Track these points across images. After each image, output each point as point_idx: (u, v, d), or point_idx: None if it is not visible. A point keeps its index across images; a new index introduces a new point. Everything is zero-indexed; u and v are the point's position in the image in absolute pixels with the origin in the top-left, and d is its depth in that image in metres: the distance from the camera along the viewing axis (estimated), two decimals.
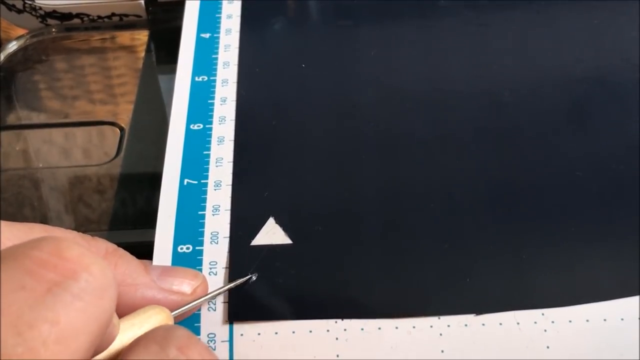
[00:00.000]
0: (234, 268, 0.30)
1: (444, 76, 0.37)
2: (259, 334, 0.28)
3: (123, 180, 0.39)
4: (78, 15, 0.47)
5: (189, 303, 0.27)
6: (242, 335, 0.28)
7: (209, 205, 0.32)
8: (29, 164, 0.41)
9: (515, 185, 0.32)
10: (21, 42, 0.47)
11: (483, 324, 0.28)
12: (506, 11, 0.40)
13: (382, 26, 0.40)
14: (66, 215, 0.38)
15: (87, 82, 0.45)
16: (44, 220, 0.38)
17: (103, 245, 0.26)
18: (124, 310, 0.26)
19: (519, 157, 0.33)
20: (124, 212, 0.38)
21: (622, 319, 0.28)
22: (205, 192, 0.32)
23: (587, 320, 0.28)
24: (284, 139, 0.35)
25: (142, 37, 0.47)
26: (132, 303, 0.26)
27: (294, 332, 0.28)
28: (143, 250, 0.34)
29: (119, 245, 0.36)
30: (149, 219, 0.37)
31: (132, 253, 0.35)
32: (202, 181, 0.33)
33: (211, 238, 0.31)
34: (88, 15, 0.47)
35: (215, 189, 0.32)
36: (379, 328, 0.28)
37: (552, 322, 0.28)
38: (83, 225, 0.37)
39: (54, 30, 0.48)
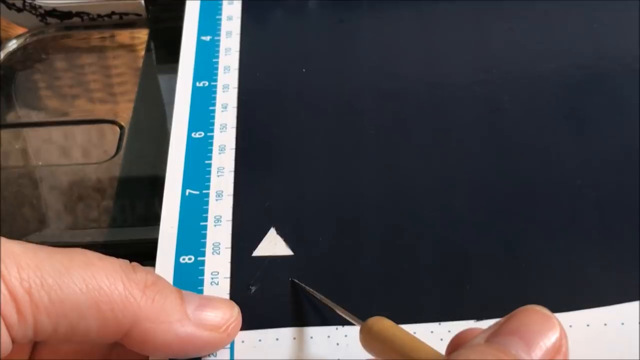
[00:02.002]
0: (236, 279, 0.30)
1: (444, 81, 0.37)
2: (260, 340, 0.28)
3: (123, 179, 0.39)
4: (78, 14, 0.47)
5: (219, 341, 0.27)
6: (243, 342, 0.28)
7: (210, 216, 0.32)
8: (29, 163, 0.41)
9: (516, 192, 0.32)
10: (21, 40, 0.47)
11: None
12: (507, 16, 0.40)
13: (384, 30, 0.40)
14: (66, 213, 0.38)
15: (86, 80, 0.45)
16: (43, 218, 0.38)
17: (143, 277, 0.25)
18: (154, 349, 0.26)
19: (519, 164, 0.33)
20: (124, 210, 0.38)
21: (622, 324, 0.28)
22: (207, 203, 0.32)
23: (588, 325, 0.28)
24: (284, 147, 0.35)
25: (141, 35, 0.47)
26: (163, 342, 0.25)
27: (294, 339, 0.28)
28: (142, 248, 0.34)
29: (119, 243, 0.36)
30: (149, 217, 0.37)
31: (132, 251, 0.35)
32: (204, 191, 0.33)
33: (213, 249, 0.31)
34: (88, 14, 0.47)
35: (217, 200, 0.32)
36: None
37: None
38: (82, 224, 0.37)
39: (53, 29, 0.48)
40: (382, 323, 0.25)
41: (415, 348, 0.24)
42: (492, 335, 0.22)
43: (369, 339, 0.25)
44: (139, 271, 0.26)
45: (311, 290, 0.29)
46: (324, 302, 0.28)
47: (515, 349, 0.22)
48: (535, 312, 0.23)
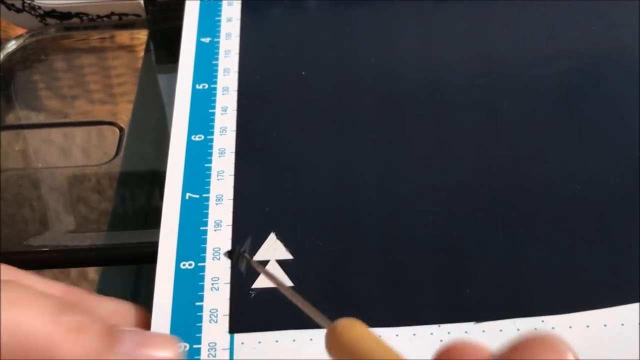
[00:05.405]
0: (236, 284, 0.30)
1: (444, 84, 0.37)
2: (259, 342, 0.28)
3: (122, 180, 0.39)
4: (77, 15, 0.47)
5: None
6: (242, 343, 0.28)
7: (210, 220, 0.32)
8: (28, 164, 0.41)
9: (515, 194, 0.32)
10: (20, 41, 0.47)
11: (483, 331, 0.28)
12: (507, 19, 0.40)
13: (383, 32, 0.40)
14: (65, 215, 0.38)
15: (86, 81, 0.45)
16: (43, 220, 0.38)
17: (71, 319, 0.24)
18: None
19: (519, 166, 0.33)
20: (123, 212, 0.38)
21: (622, 324, 0.28)
22: (207, 207, 0.32)
23: (587, 326, 0.28)
24: (284, 150, 0.35)
25: (141, 36, 0.47)
26: None
27: (294, 340, 0.28)
28: (142, 251, 0.34)
29: (118, 246, 0.36)
30: (148, 220, 0.37)
31: (132, 253, 0.35)
32: (204, 195, 0.33)
33: (213, 254, 0.31)
34: (87, 15, 0.47)
35: (217, 204, 0.32)
36: (380, 336, 0.28)
37: (552, 327, 0.28)
38: (82, 226, 0.37)
39: (53, 29, 0.48)
40: (350, 331, 0.23)
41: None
42: None
43: (334, 346, 0.23)
44: (67, 313, 0.24)
45: (266, 270, 0.29)
46: (277, 282, 0.29)
47: None
48: (548, 346, 0.20)
